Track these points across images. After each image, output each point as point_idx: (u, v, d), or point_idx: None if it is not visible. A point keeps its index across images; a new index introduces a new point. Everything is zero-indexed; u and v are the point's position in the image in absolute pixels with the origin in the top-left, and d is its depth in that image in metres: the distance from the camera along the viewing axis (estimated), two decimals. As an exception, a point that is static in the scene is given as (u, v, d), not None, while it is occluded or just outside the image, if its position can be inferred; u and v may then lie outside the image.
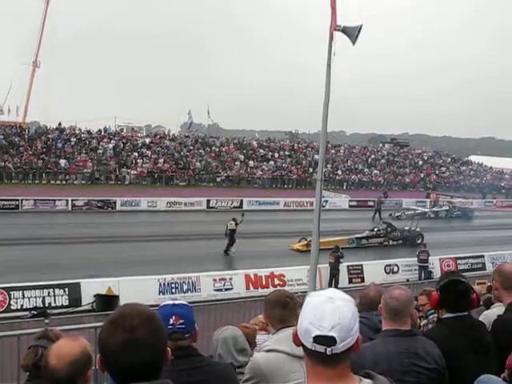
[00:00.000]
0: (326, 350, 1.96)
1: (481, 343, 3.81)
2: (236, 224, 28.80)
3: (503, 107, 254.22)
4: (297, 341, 2.09)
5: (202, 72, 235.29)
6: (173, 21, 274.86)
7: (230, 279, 21.71)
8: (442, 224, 44.47)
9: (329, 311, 1.98)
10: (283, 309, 3.70)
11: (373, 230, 34.44)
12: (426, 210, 46.63)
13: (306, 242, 28.16)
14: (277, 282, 22.37)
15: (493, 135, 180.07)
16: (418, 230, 35.17)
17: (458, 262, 28.04)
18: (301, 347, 2.10)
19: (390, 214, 45.03)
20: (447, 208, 49.54)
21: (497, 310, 4.68)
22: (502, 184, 76.53)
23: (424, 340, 3.52)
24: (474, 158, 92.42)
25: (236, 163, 60.43)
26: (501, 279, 4.32)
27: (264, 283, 22.18)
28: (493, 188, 71.26)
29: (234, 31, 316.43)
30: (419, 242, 33.38)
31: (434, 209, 49.24)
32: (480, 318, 4.59)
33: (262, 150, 65.44)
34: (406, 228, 35.42)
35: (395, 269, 26.00)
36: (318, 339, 1.97)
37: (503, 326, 3.90)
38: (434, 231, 37.07)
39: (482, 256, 29.11)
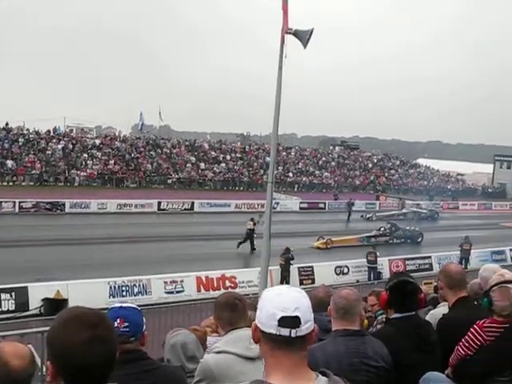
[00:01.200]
0: (290, 332, 2.01)
1: (427, 342, 3.89)
2: (254, 224, 30.31)
3: (450, 113, 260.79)
4: (256, 335, 2.11)
5: (154, 73, 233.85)
6: (125, 21, 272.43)
7: (182, 282, 21.55)
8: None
9: (288, 298, 2.05)
10: (232, 311, 3.72)
11: (379, 230, 37.01)
12: (395, 212, 50.15)
13: (324, 240, 32.65)
14: (228, 284, 22.33)
15: (439, 139, 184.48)
16: (417, 229, 38.42)
17: (407, 262, 28.50)
18: (252, 347, 2.13)
19: (362, 216, 48.32)
20: (414, 210, 51.35)
21: (442, 309, 4.80)
22: (449, 186, 78.32)
23: (372, 340, 3.58)
24: (421, 161, 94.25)
25: (187, 165, 60.05)
26: (446, 279, 4.43)
27: (215, 285, 22.09)
28: (440, 190, 72.78)
29: (187, 34, 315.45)
30: (419, 240, 37.22)
31: (403, 211, 51.32)
32: (426, 318, 4.70)
33: (213, 152, 65.21)
34: (407, 228, 38.42)
35: (345, 270, 26.27)
36: (283, 321, 2.01)
37: (448, 325, 4.00)
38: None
39: (430, 257, 29.71)
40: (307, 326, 2.04)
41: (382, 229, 37.22)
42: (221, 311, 3.79)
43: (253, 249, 29.91)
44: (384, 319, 5.00)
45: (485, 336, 3.48)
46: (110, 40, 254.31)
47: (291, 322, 2.00)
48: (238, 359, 3.34)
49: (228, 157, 65.26)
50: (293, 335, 2.01)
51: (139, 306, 3.26)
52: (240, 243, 30.33)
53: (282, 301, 2.04)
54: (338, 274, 25.80)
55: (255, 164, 65.19)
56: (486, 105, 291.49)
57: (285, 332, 2.01)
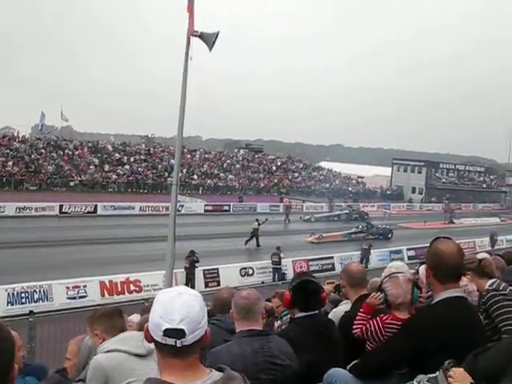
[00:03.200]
0: (176, 342, 2.04)
1: (330, 339, 4.00)
2: (258, 224, 35.80)
3: (351, 118, 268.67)
4: (148, 336, 2.14)
5: (56, 73, 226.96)
6: (22, 17, 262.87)
7: (85, 286, 21.04)
8: (341, 225, 48.02)
9: (178, 305, 2.06)
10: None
11: (358, 227, 42.88)
12: (331, 213, 54.64)
13: (316, 236, 38.51)
14: (132, 287, 22.03)
15: (341, 143, 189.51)
16: (388, 227, 44.71)
17: (310, 263, 29.07)
18: (145, 345, 2.14)
19: (301, 217, 51.00)
20: (348, 211, 54.67)
21: (344, 307, 4.96)
22: (350, 189, 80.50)
23: (277, 339, 3.63)
24: (324, 164, 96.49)
25: (90, 167, 58.72)
26: (347, 278, 4.59)
27: (119, 289, 21.75)
28: (341, 192, 74.69)
29: (92, 32, 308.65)
30: (390, 236, 43.04)
31: (337, 212, 55.12)
32: (330, 316, 4.83)
33: (117, 154, 64.08)
34: (380, 226, 44.42)
35: (250, 271, 26.49)
36: (167, 332, 2.03)
37: (349, 322, 4.13)
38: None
39: (332, 257, 30.43)
40: (194, 335, 2.07)
41: (360, 227, 43.02)
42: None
43: (258, 245, 34.81)
44: (289, 319, 5.09)
45: (383, 331, 3.62)
46: (8, 37, 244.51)
47: (176, 333, 2.03)
48: (130, 357, 3.33)
49: (132, 159, 64.28)
50: (178, 345, 2.04)
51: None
52: (247, 241, 34.86)
53: (169, 311, 2.05)
54: (243, 276, 25.98)
55: (160, 166, 64.54)
56: (384, 108, 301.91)
57: (170, 342, 2.04)
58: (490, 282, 4.63)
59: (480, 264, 4.90)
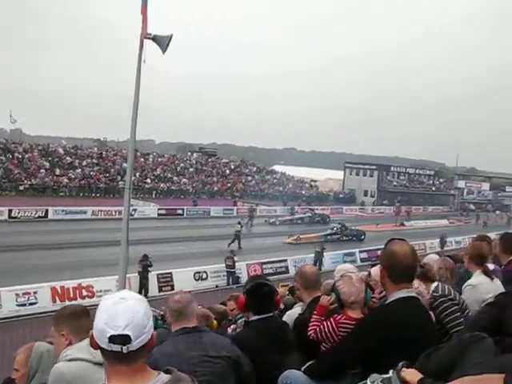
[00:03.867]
0: (122, 348, 2.02)
1: (284, 342, 4.03)
2: (241, 226, 38.77)
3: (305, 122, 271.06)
4: (94, 343, 2.11)
5: (4, 74, 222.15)
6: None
7: (35, 293, 20.65)
8: (304, 227, 49.38)
9: (122, 310, 2.04)
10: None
11: (332, 229, 44.86)
12: (295, 216, 55.89)
13: (295, 237, 40.42)
14: (85, 293, 21.75)
15: (294, 146, 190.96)
16: (360, 229, 46.94)
17: (264, 266, 29.16)
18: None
19: (266, 220, 52.61)
20: (310, 215, 56.01)
21: (298, 309, 4.99)
22: (303, 192, 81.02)
23: (212, 334, 3.76)
24: (277, 168, 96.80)
25: (41, 171, 57.52)
26: (301, 280, 4.61)
27: (72, 295, 21.46)
28: (295, 196, 75.14)
29: (45, 30, 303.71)
30: (362, 238, 44.89)
31: (300, 215, 56.40)
32: (284, 318, 4.86)
33: (68, 158, 62.92)
34: (353, 228, 46.71)
35: (204, 276, 26.42)
36: (113, 339, 2.02)
37: (303, 324, 4.15)
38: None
39: (286, 260, 30.60)
40: (140, 340, 2.05)
41: (335, 228, 44.97)
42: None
43: (239, 247, 35.61)
44: (244, 323, 5.09)
45: (337, 331, 3.65)
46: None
47: (121, 339, 2.02)
48: (92, 365, 3.26)
49: (84, 162, 63.21)
50: (124, 351, 2.03)
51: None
52: (230, 243, 35.73)
53: (114, 317, 2.03)
54: (197, 280, 25.90)
55: (112, 170, 63.67)
56: (336, 114, 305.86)
57: (116, 348, 2.03)
58: (433, 286, 4.74)
59: (422, 268, 4.99)
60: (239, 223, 38.58)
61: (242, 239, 37.50)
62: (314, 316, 3.91)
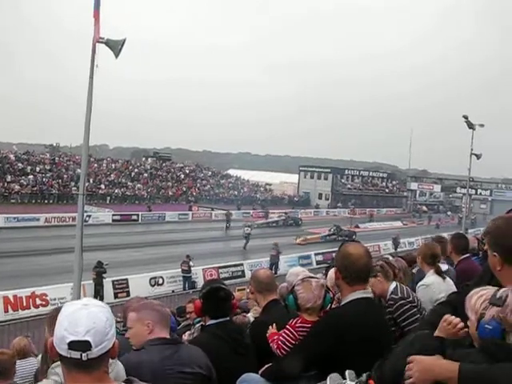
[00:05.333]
0: (81, 355, 1.97)
1: (241, 345, 4.04)
2: (251, 229, 42.09)
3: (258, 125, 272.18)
4: (53, 352, 2.07)
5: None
6: None
7: (-14, 302, 20.21)
8: (279, 230, 52.34)
9: (83, 317, 2.00)
10: None
11: (330, 230, 48.66)
12: (270, 220, 58.35)
13: (302, 238, 44.90)
14: (39, 302, 21.34)
15: (249, 150, 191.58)
16: (353, 230, 51.43)
17: (220, 270, 29.13)
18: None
19: (244, 224, 51.73)
20: (284, 218, 58.48)
21: (254, 313, 5.01)
22: (258, 196, 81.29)
23: (189, 347, 3.64)
24: (232, 172, 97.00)
25: (-9, 178, 56.40)
26: (255, 284, 4.63)
27: (25, 304, 21.00)
28: (249, 200, 75.33)
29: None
30: (354, 237, 44.31)
31: (275, 218, 58.84)
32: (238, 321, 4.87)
33: (20, 164, 61.73)
34: (346, 229, 50.50)
35: (160, 281, 26.23)
36: (72, 345, 1.97)
37: (259, 328, 4.17)
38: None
39: (242, 264, 30.64)
40: (101, 347, 2.01)
41: (332, 229, 48.74)
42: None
43: (244, 248, 39.27)
44: (200, 327, 5.09)
45: (297, 335, 3.67)
46: None
47: (81, 346, 1.97)
48: None
49: (37, 168, 62.13)
50: (84, 358, 1.98)
51: None
52: (244, 246, 39.66)
53: (74, 323, 1.99)
54: (152, 286, 25.70)
55: (65, 176, 62.71)
56: (292, 119, 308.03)
57: (75, 355, 1.98)
58: (392, 288, 4.79)
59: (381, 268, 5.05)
60: (249, 226, 42.61)
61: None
62: (269, 335, 3.89)
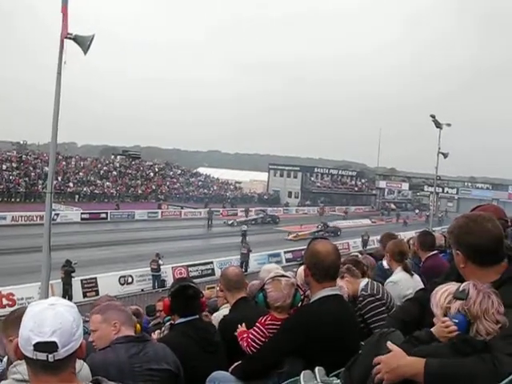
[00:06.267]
0: (47, 356, 1.93)
1: (210, 343, 4.04)
2: (247, 226, 45.31)
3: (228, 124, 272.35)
4: (18, 353, 2.01)
5: None
6: None
7: (-52, 304, 19.90)
8: (259, 227, 53.85)
9: (50, 317, 1.95)
10: None
11: (318, 227, 51.37)
12: (250, 218, 59.41)
13: (294, 235, 47.60)
14: (5, 302, 21.10)
15: (218, 149, 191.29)
16: (338, 227, 53.79)
17: (190, 269, 29.10)
18: None
19: (225, 222, 56.14)
20: (262, 216, 60.48)
21: (224, 310, 5.02)
22: (228, 194, 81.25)
23: (156, 344, 3.63)
24: (202, 170, 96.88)
25: (-45, 176, 55.43)
26: (224, 282, 4.65)
27: (-9, 304, 20.77)
28: (219, 198, 75.29)
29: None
30: (339, 233, 50.59)
31: (254, 216, 60.46)
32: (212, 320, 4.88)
33: (-15, 162, 60.87)
34: (332, 226, 52.80)
35: (130, 280, 26.11)
36: (38, 346, 1.92)
37: (227, 325, 4.19)
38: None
39: (212, 262, 30.60)
40: (67, 348, 1.96)
41: (320, 226, 51.44)
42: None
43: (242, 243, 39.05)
44: (169, 325, 5.08)
45: (267, 333, 3.69)
46: None
47: (47, 347, 1.92)
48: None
49: (4, 166, 61.15)
50: (50, 360, 1.93)
51: None
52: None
53: (40, 323, 1.94)
54: (122, 284, 25.57)
55: (33, 174, 61.85)
56: (260, 117, 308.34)
57: (42, 356, 1.93)
58: (363, 284, 4.83)
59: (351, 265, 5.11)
60: (245, 224, 46.88)
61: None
62: (238, 333, 3.92)
